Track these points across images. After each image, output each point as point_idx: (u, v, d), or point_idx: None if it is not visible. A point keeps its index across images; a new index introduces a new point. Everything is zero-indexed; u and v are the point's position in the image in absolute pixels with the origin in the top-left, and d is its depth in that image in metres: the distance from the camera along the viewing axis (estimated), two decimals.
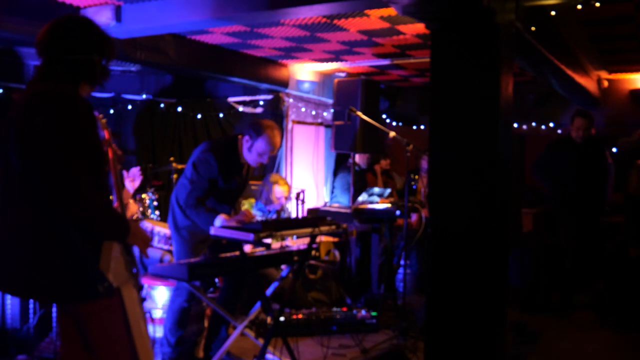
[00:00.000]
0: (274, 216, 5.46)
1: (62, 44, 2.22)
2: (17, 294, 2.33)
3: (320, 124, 7.62)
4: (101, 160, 2.24)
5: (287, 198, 5.51)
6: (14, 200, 2.17)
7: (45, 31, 2.25)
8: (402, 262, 5.54)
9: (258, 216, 5.35)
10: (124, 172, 3.87)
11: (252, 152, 3.80)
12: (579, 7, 3.94)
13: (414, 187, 6.66)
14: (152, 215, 5.57)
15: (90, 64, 2.27)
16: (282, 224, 3.43)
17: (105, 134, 2.56)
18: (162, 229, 4.93)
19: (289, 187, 5.53)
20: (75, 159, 2.07)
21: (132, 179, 3.81)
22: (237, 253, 3.56)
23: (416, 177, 6.77)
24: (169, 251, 4.81)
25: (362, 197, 5.65)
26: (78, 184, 2.05)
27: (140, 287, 2.40)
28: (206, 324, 4.17)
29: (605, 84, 7.07)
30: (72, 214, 2.07)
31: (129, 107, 6.97)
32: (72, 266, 2.11)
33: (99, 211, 2.13)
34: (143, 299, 2.41)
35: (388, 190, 5.63)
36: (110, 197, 2.39)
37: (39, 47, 2.25)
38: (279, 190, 5.42)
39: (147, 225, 4.90)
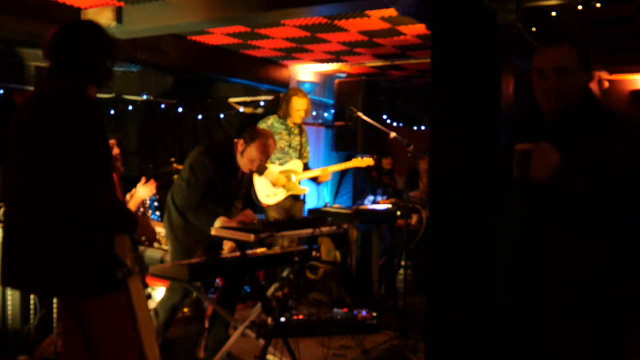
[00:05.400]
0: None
1: (70, 47, 2.27)
2: (30, 290, 2.37)
3: (321, 124, 7.62)
4: (108, 158, 2.30)
5: (307, 111, 5.40)
6: (25, 196, 2.20)
7: (54, 34, 2.30)
8: (402, 263, 5.54)
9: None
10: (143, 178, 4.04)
11: (243, 156, 3.81)
12: (580, 7, 3.94)
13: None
14: (152, 216, 5.58)
15: (97, 66, 2.32)
16: (282, 225, 3.44)
17: None
18: (163, 230, 4.93)
19: (308, 100, 5.42)
20: (85, 156, 2.12)
21: (151, 184, 3.98)
22: (238, 254, 3.57)
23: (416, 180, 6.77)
24: None
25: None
26: (88, 180, 2.11)
27: (145, 285, 2.43)
28: (207, 324, 4.17)
29: (606, 84, 7.05)
30: (83, 210, 2.13)
31: (130, 107, 6.96)
32: (87, 260, 2.15)
33: (109, 206, 2.20)
34: (148, 296, 2.45)
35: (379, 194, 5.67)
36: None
37: (46, 49, 2.30)
38: (297, 102, 5.32)
39: None
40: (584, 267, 2.03)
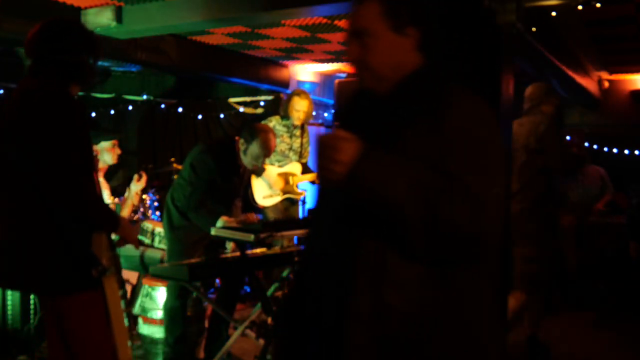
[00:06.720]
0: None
1: (51, 46, 2.28)
2: (10, 285, 2.37)
3: (321, 124, 7.63)
4: (90, 155, 2.31)
5: (307, 114, 5.26)
6: (8, 191, 2.21)
7: (35, 33, 2.30)
8: None
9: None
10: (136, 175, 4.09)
11: (247, 155, 3.82)
12: (580, 7, 3.94)
13: None
14: (152, 216, 5.58)
15: (79, 64, 2.32)
16: (282, 225, 3.44)
17: None
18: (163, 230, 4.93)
19: (310, 102, 5.31)
20: (70, 153, 2.13)
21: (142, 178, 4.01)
22: (237, 253, 3.57)
23: None
24: None
25: None
26: (71, 175, 2.11)
27: (122, 284, 2.43)
28: (207, 324, 4.17)
29: (606, 84, 7.07)
30: (68, 206, 2.13)
31: (130, 107, 6.97)
32: (64, 255, 2.16)
33: (93, 203, 2.20)
34: (123, 296, 2.44)
35: None
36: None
37: (28, 48, 2.31)
38: (298, 103, 5.22)
39: (148, 226, 4.91)
40: (411, 304, 1.41)
